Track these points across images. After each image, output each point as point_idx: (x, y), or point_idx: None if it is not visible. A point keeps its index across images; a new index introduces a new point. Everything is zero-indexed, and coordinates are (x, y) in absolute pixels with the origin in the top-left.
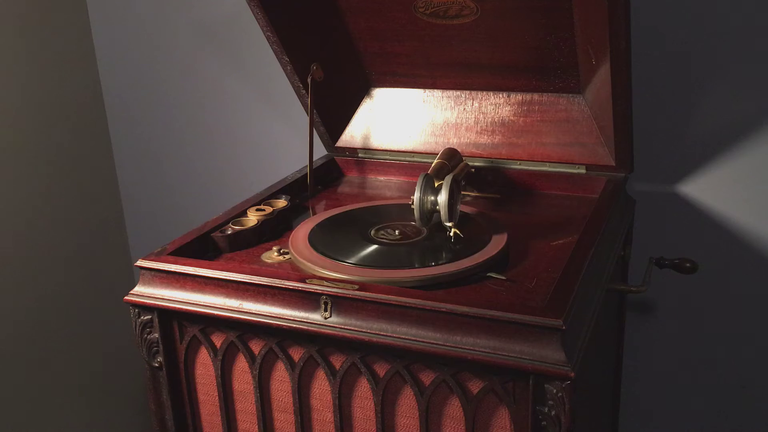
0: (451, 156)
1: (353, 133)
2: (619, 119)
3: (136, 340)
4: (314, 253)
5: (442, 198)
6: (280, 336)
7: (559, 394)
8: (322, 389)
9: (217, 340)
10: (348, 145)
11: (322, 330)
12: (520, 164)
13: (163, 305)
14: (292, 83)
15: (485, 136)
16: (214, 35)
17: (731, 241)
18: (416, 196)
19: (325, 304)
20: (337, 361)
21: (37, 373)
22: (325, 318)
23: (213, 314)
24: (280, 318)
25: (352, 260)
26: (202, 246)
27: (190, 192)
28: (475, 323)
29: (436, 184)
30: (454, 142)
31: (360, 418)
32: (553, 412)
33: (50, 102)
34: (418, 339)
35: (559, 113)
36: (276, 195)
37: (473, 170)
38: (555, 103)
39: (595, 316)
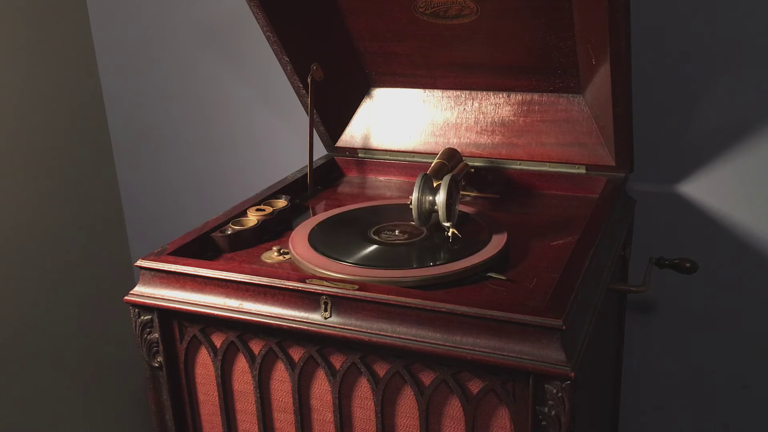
0: (451, 156)
1: (353, 133)
2: (619, 119)
3: (136, 340)
4: (314, 253)
5: (440, 198)
6: (280, 336)
7: (559, 394)
8: (322, 389)
9: (217, 340)
10: (348, 145)
11: (322, 330)
12: (520, 164)
13: (163, 305)
14: (292, 83)
15: (485, 136)
16: (214, 35)
17: (731, 241)
18: (414, 196)
19: (325, 304)
20: (337, 361)
21: (37, 373)
22: (325, 318)
23: (213, 314)
24: (280, 318)
25: (352, 260)
26: (202, 246)
27: (190, 192)
28: (475, 323)
29: (435, 184)
30: (454, 142)
31: (360, 418)
32: (553, 412)
33: (50, 102)
34: (418, 339)
35: (559, 113)
36: (276, 195)
37: (473, 170)
38: (555, 103)
39: (595, 316)
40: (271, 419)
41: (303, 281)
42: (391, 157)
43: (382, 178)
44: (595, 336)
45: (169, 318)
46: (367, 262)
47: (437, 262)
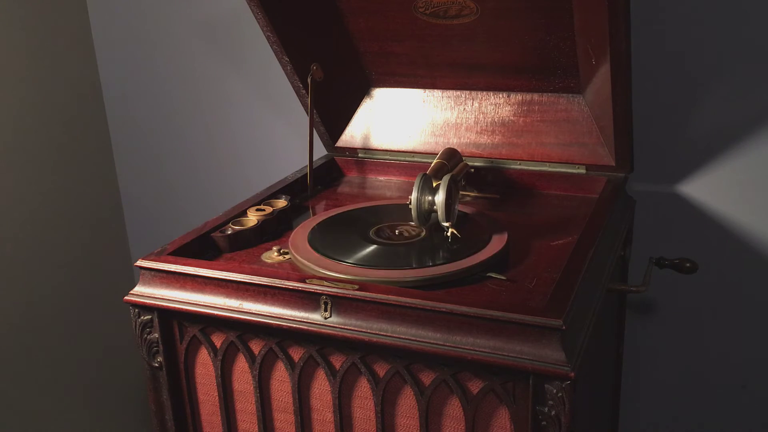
0: (451, 156)
1: (353, 133)
2: (619, 119)
3: (136, 340)
4: (314, 253)
5: (440, 198)
6: (280, 336)
7: (559, 394)
8: (322, 389)
9: (217, 340)
10: (348, 145)
11: (322, 330)
12: (520, 164)
13: (163, 305)
14: (292, 83)
15: (485, 136)
16: (214, 35)
17: (731, 241)
18: (414, 196)
19: (325, 304)
20: (337, 361)
21: (37, 373)
22: (325, 318)
23: (213, 314)
24: (280, 318)
25: (352, 260)
26: (202, 246)
27: (190, 192)
28: (475, 323)
29: (434, 184)
30: (454, 142)
31: (360, 418)
32: (553, 412)
33: (50, 102)
34: (418, 339)
35: (559, 113)
36: (276, 195)
37: (472, 170)
38: (555, 103)
39: (595, 316)
40: (271, 419)
41: (303, 281)
42: (391, 157)
43: (382, 178)
44: (595, 336)
45: (169, 318)
46: (367, 262)
47: (437, 262)
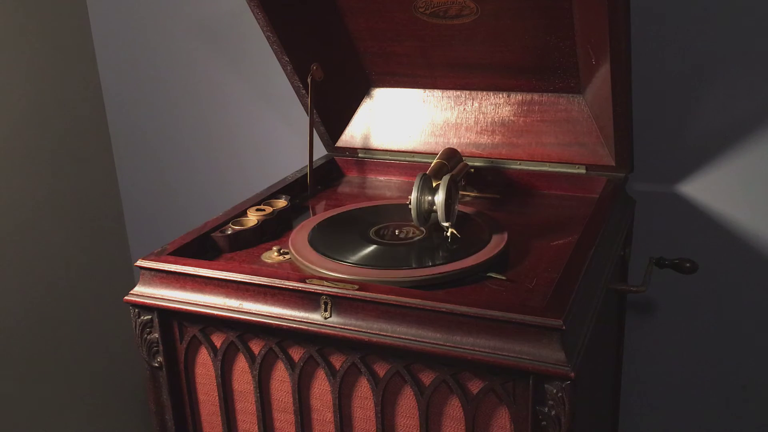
0: (451, 156)
1: (353, 133)
2: (619, 119)
3: (136, 340)
4: (314, 253)
5: (439, 198)
6: (280, 336)
7: (559, 394)
8: (322, 389)
9: (217, 340)
10: (348, 145)
11: (322, 330)
12: (520, 164)
13: (163, 305)
14: (292, 83)
15: (485, 136)
16: (214, 35)
17: (731, 241)
18: (413, 196)
19: (325, 304)
20: (337, 361)
21: (37, 373)
22: (325, 318)
23: (213, 314)
24: (280, 318)
25: (352, 260)
26: (202, 246)
27: (190, 192)
28: (475, 323)
29: (434, 184)
30: (454, 142)
31: (360, 418)
32: (553, 412)
33: (50, 102)
34: (418, 339)
35: (559, 113)
36: (276, 195)
37: (472, 170)
38: (555, 103)
39: (595, 316)
40: (271, 419)
41: (303, 281)
42: (391, 157)
43: (382, 178)
44: (595, 336)
45: (169, 318)
46: (367, 262)
47: (437, 262)
